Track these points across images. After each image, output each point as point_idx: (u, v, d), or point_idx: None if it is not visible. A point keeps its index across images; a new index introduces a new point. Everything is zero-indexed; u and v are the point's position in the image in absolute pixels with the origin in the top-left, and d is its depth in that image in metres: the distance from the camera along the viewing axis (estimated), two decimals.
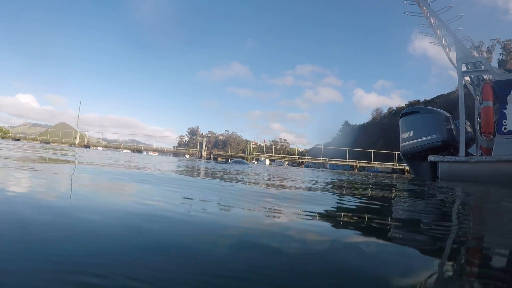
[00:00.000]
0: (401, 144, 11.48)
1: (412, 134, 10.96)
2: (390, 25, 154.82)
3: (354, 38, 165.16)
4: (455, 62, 10.45)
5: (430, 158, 9.85)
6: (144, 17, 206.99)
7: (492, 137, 8.92)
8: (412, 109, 12.01)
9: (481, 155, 9.58)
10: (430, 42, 11.64)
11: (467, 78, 10.68)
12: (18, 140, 45.14)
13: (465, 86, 10.41)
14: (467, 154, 9.67)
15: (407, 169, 27.77)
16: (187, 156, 45.06)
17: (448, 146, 10.47)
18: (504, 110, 8.65)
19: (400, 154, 12.01)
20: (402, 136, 11.40)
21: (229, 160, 30.08)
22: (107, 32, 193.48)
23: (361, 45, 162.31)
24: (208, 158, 37.52)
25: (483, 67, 9.81)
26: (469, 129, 10.81)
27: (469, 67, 9.94)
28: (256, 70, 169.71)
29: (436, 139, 10.37)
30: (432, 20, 10.60)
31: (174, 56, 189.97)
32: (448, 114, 11.02)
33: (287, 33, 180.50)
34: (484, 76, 10.41)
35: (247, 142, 75.88)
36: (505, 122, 8.59)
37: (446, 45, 10.96)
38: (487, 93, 8.94)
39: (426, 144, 10.51)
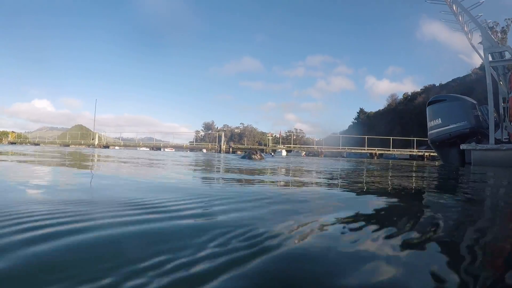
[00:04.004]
0: (429, 132, 12.03)
1: (440, 121, 11.50)
2: (398, 11, 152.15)
3: (363, 26, 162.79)
4: (477, 47, 10.97)
5: (463, 146, 10.38)
6: (153, 16, 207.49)
7: None
8: (439, 97, 12.51)
9: (509, 141, 10.05)
10: (452, 29, 12.09)
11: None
12: (37, 144, 44.84)
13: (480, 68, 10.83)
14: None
15: (427, 155, 28.17)
16: (204, 150, 45.04)
17: (475, 133, 10.97)
18: None
19: (428, 141, 12.58)
20: (430, 124, 11.95)
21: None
22: (118, 33, 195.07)
23: (370, 32, 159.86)
24: (227, 152, 37.85)
25: (507, 55, 10.29)
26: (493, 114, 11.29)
27: (495, 56, 10.40)
28: (268, 62, 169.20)
29: (464, 126, 10.91)
30: (454, 8, 11.04)
31: (185, 53, 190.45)
32: (474, 101, 11.48)
33: (295, 25, 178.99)
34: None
35: (262, 134, 76.63)
36: None
37: (468, 31, 11.39)
38: None
39: (454, 131, 11.06)
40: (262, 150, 35.71)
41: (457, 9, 11.05)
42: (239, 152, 41.64)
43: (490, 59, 10.35)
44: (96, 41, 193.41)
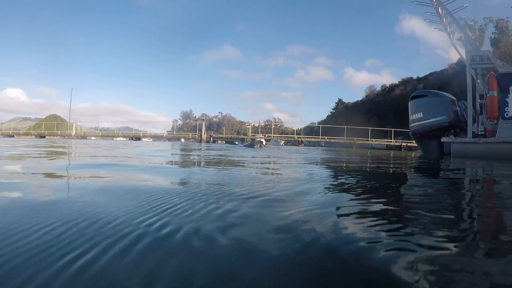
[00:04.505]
0: (411, 124, 12.78)
1: (421, 115, 12.25)
2: (376, 4, 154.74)
3: (343, 17, 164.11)
4: (455, 44, 11.74)
5: (444, 139, 11.17)
6: (130, 3, 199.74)
7: (496, 121, 10.28)
8: (421, 93, 13.34)
9: (485, 135, 10.88)
10: (435, 28, 12.68)
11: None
12: (11, 136, 41.96)
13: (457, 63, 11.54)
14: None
15: (403, 145, 29.41)
16: (182, 140, 44.60)
17: (454, 126, 11.79)
18: (507, 99, 10.06)
19: (410, 133, 13.38)
20: (412, 117, 12.68)
21: (240, 143, 30.10)
22: (92, 22, 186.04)
23: (350, 24, 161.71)
24: (208, 141, 37.87)
25: (487, 56, 11.09)
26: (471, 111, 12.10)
27: (475, 58, 11.16)
28: (247, 52, 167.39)
29: (443, 120, 11.69)
30: (440, 10, 11.65)
31: (162, 40, 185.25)
32: (453, 97, 12.29)
33: (276, 15, 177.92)
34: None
35: (241, 123, 76.87)
36: (507, 109, 10.02)
37: (450, 32, 12.06)
38: (492, 84, 10.30)
39: (434, 124, 11.84)
40: (242, 140, 36.00)
41: (442, 11, 11.62)
42: (219, 142, 41.72)
43: (471, 61, 11.08)
44: (71, 32, 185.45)
